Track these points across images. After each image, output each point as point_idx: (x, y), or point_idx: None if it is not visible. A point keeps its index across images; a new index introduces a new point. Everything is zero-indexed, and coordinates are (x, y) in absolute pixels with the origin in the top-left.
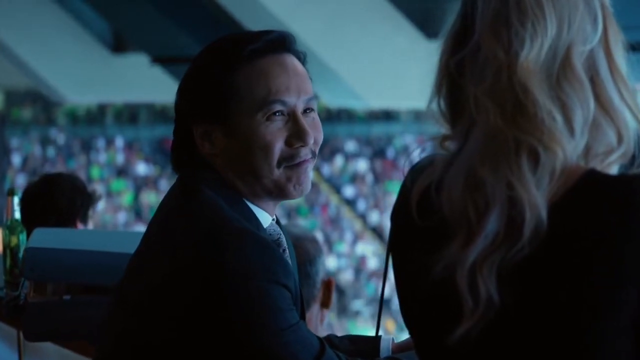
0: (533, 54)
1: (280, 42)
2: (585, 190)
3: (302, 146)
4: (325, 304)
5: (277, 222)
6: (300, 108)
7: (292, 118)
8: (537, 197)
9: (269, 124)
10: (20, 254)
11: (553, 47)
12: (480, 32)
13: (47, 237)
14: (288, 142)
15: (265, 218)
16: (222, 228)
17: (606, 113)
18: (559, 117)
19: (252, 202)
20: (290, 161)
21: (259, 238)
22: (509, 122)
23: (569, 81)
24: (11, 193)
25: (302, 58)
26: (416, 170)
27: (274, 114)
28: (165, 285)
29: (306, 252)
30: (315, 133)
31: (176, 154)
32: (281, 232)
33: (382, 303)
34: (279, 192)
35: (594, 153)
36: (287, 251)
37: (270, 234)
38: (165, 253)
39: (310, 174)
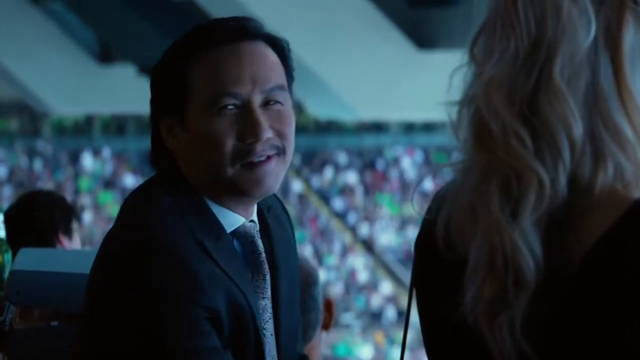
0: (500, 63)
1: (237, 30)
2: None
3: (254, 142)
4: (325, 326)
5: (265, 222)
6: (257, 100)
7: (245, 111)
8: (512, 237)
9: (219, 119)
10: (5, 275)
11: (528, 54)
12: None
13: (33, 259)
14: (240, 138)
15: (234, 220)
16: (143, 243)
17: (611, 134)
18: (528, 141)
19: (216, 203)
20: (245, 158)
21: (176, 257)
22: (481, 146)
23: (546, 96)
24: None
25: (277, 44)
26: (440, 198)
27: (225, 107)
28: (91, 299)
29: (309, 273)
30: (280, 126)
31: (153, 153)
32: (255, 235)
33: (405, 342)
34: (237, 192)
35: (629, 175)
36: (262, 255)
37: (244, 236)
38: (94, 265)
39: (278, 171)
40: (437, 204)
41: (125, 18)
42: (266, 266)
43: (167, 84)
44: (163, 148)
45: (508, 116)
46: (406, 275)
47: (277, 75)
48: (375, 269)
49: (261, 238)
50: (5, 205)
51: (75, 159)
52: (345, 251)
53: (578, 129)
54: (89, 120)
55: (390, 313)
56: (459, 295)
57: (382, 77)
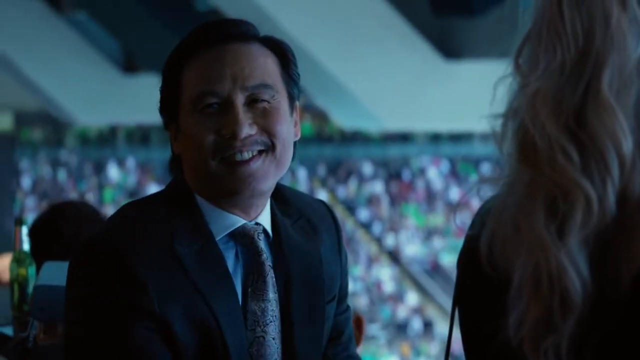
0: (546, 75)
1: (224, 33)
2: None
3: (232, 137)
4: (355, 343)
5: (280, 227)
6: (239, 98)
7: (226, 109)
8: (558, 257)
9: (201, 117)
10: (29, 289)
11: (575, 64)
12: None
13: (58, 273)
14: (219, 133)
15: (232, 221)
16: (93, 239)
17: None
18: (575, 156)
19: (213, 204)
20: (225, 152)
21: (120, 260)
22: (526, 161)
23: (594, 109)
24: (19, 223)
25: (276, 47)
26: (484, 213)
27: (207, 106)
28: None
29: None
30: (266, 122)
31: (170, 160)
32: (255, 237)
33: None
34: (222, 189)
35: None
36: (262, 256)
37: (242, 237)
38: None
39: (266, 170)
40: (481, 219)
41: (149, 27)
42: (267, 268)
43: (165, 89)
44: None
45: (554, 130)
46: (432, 286)
47: (265, 74)
48: (401, 280)
49: (273, 242)
50: (30, 216)
51: (99, 169)
52: (370, 262)
53: (627, 144)
54: (113, 130)
55: (416, 324)
56: (503, 317)
57: (408, 87)
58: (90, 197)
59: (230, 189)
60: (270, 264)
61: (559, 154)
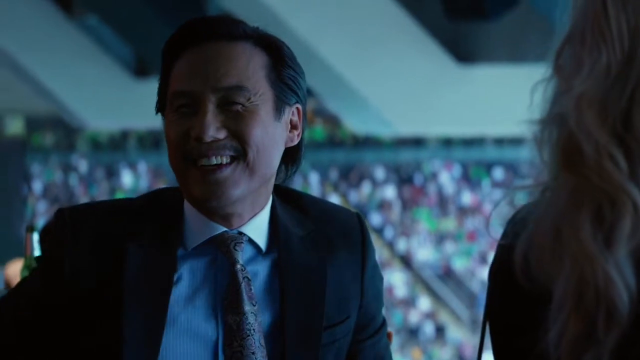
0: (591, 78)
1: (203, 31)
2: None
3: (198, 140)
4: None
5: (277, 241)
6: (210, 99)
7: (195, 109)
8: (605, 268)
9: (174, 117)
10: None
11: (621, 68)
12: None
13: None
14: (187, 135)
15: (211, 228)
16: (62, 208)
17: None
18: (622, 162)
19: (197, 210)
20: (193, 155)
21: (59, 227)
22: (570, 168)
23: None
24: (30, 230)
25: (270, 46)
26: (517, 222)
27: (180, 106)
28: None
29: None
30: (237, 127)
31: None
32: (230, 245)
33: None
34: (191, 194)
35: None
36: (236, 265)
37: (219, 244)
38: None
39: (236, 179)
40: (514, 229)
41: (161, 32)
42: (240, 279)
43: (159, 89)
44: None
45: (602, 136)
46: (444, 291)
47: (243, 75)
48: (413, 285)
49: (269, 254)
50: (41, 220)
51: (110, 173)
52: (382, 266)
53: None
54: (124, 135)
55: (428, 329)
56: (539, 330)
57: (421, 91)
58: None
59: (199, 196)
60: (248, 277)
61: (606, 160)
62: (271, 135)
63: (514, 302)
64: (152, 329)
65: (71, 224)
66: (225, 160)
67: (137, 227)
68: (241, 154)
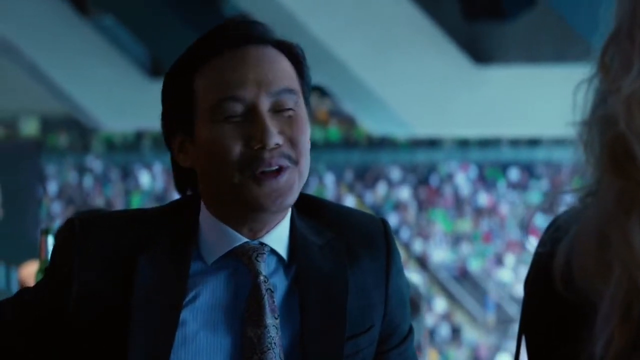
0: None
1: (241, 35)
2: None
3: (262, 147)
4: None
5: (297, 250)
6: (264, 104)
7: (251, 116)
8: None
9: (223, 126)
10: None
11: None
12: None
13: None
14: (247, 144)
15: (230, 239)
16: (72, 217)
17: None
18: None
19: (222, 220)
20: (254, 166)
21: (67, 237)
22: (618, 171)
23: None
24: (45, 233)
25: (290, 51)
26: (557, 228)
27: (230, 115)
28: None
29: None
30: (292, 132)
31: (175, 174)
32: (252, 256)
33: None
34: (245, 204)
35: None
36: (259, 277)
37: (241, 255)
38: None
39: (292, 184)
40: (554, 235)
41: (176, 32)
42: (263, 291)
43: (174, 97)
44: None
45: None
46: (460, 292)
47: (287, 79)
48: (429, 286)
49: (288, 264)
50: (56, 222)
51: (125, 174)
52: None
53: None
54: (139, 136)
55: (444, 331)
56: (579, 342)
57: (437, 92)
58: (117, 203)
59: (257, 204)
60: (271, 288)
61: None
62: (308, 139)
63: (552, 312)
64: (160, 347)
65: (81, 237)
66: (285, 164)
67: (148, 241)
68: (295, 160)
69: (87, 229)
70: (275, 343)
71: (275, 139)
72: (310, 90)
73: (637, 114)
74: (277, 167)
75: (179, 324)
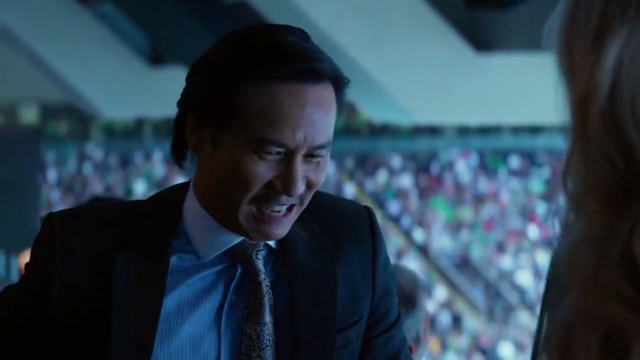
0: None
1: (305, 70)
2: None
3: (283, 194)
4: None
5: (286, 247)
6: (302, 151)
7: (287, 160)
8: None
9: (260, 162)
10: None
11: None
12: None
13: None
14: (270, 184)
15: (227, 238)
16: (52, 213)
17: None
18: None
19: (216, 220)
20: (265, 203)
21: (47, 235)
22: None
23: None
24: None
25: (339, 85)
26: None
27: (269, 153)
28: None
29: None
30: (314, 177)
31: (175, 145)
32: (252, 255)
33: None
34: (237, 229)
35: None
36: (260, 276)
37: (240, 254)
38: None
39: (290, 221)
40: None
41: (176, 19)
42: (264, 289)
43: (211, 89)
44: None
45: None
46: (461, 280)
47: (330, 130)
48: (430, 274)
49: (278, 260)
50: (56, 210)
51: (125, 162)
52: (399, 255)
53: None
54: (139, 123)
55: (445, 318)
56: None
57: (439, 79)
58: (117, 191)
59: (245, 233)
60: (269, 285)
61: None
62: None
63: None
64: (141, 344)
65: (61, 233)
66: (295, 203)
67: (129, 236)
68: (304, 198)
69: (66, 225)
70: (272, 340)
71: (300, 189)
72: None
73: None
74: (287, 207)
75: (163, 317)
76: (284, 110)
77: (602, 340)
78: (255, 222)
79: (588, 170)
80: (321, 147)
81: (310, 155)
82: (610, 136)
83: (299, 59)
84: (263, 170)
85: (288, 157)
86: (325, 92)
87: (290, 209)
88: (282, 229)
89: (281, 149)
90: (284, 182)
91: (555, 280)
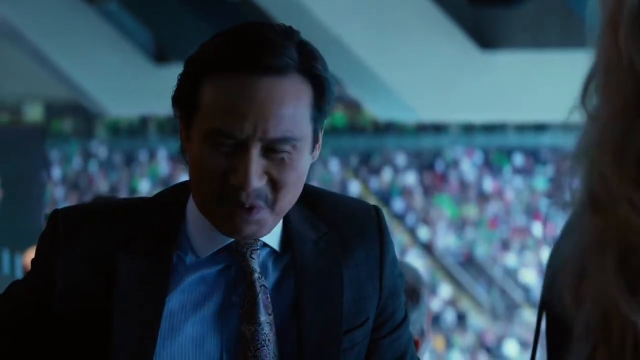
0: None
1: (267, 66)
2: None
3: (240, 189)
4: None
5: (291, 239)
6: (256, 146)
7: (241, 152)
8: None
9: (214, 154)
10: None
11: None
12: None
13: None
14: (227, 178)
15: (221, 237)
16: (57, 210)
17: None
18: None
19: (209, 220)
20: (229, 203)
21: (51, 232)
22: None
23: None
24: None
25: (315, 78)
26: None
27: (217, 145)
28: None
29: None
30: (279, 175)
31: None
32: (247, 254)
33: None
34: (217, 228)
35: None
36: (254, 274)
37: (234, 253)
38: None
39: (263, 220)
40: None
41: (180, 17)
42: (258, 289)
43: (183, 89)
44: None
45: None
46: (465, 278)
47: (292, 125)
48: (434, 272)
49: (281, 259)
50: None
51: (130, 160)
52: (403, 253)
53: None
54: (144, 121)
55: (450, 316)
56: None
57: (443, 77)
58: (122, 189)
59: (228, 232)
60: (265, 285)
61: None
62: (303, 172)
63: (566, 331)
64: (144, 342)
65: (65, 229)
66: (259, 204)
67: (132, 234)
68: (271, 201)
69: (70, 222)
70: (269, 340)
71: (256, 183)
72: (327, 117)
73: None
74: (249, 206)
75: (166, 315)
76: (232, 101)
77: (617, 258)
78: (228, 219)
79: (610, 73)
80: (281, 141)
81: (271, 150)
82: (637, 39)
83: (256, 52)
84: (216, 162)
85: (242, 150)
86: (284, 86)
87: (256, 209)
88: (252, 227)
89: (230, 140)
90: (237, 174)
91: (552, 276)
